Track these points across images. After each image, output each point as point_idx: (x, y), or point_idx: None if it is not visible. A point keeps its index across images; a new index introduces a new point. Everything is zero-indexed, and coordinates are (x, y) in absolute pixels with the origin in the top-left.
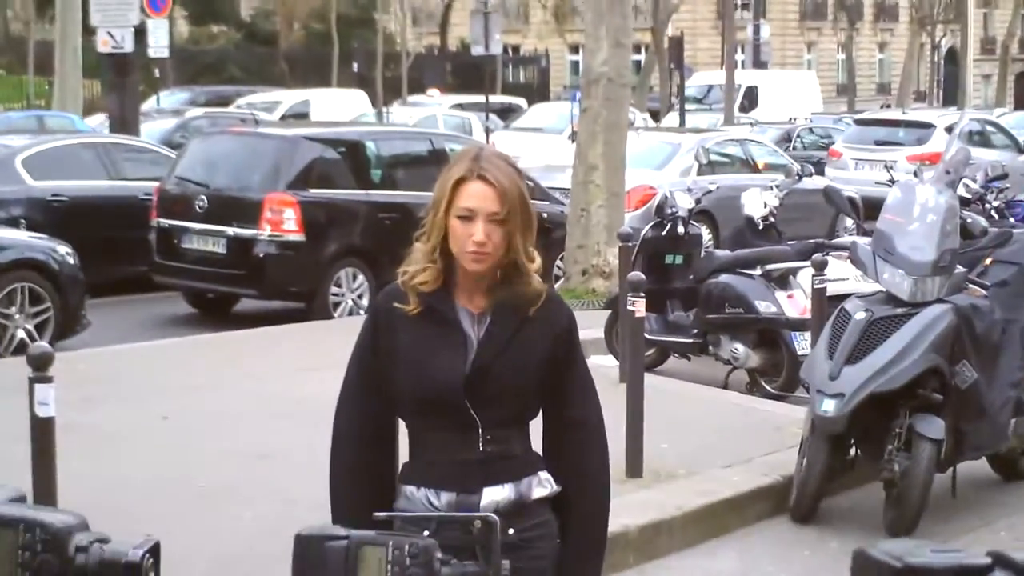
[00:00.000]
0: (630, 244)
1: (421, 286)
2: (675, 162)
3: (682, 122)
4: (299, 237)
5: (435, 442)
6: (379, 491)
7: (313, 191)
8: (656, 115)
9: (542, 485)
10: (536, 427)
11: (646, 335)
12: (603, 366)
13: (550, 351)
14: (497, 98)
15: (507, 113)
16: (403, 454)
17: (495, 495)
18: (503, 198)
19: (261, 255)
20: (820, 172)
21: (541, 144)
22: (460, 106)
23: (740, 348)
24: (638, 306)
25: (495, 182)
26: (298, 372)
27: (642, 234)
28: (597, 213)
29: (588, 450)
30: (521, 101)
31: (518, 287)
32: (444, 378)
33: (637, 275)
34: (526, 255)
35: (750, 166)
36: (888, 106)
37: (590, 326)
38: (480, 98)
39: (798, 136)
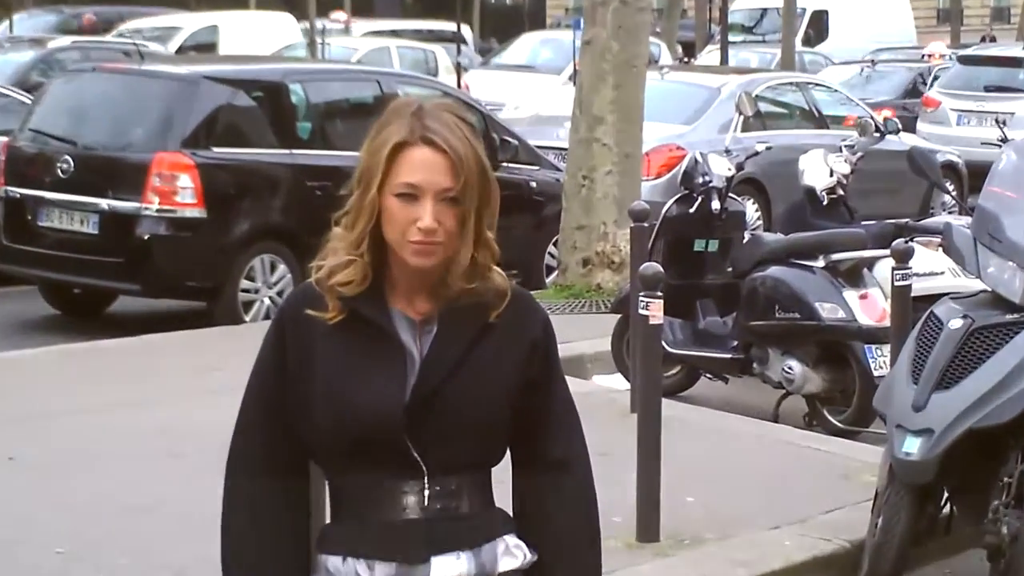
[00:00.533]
0: (647, 224)
1: (343, 287)
2: (711, 113)
3: (724, 59)
4: (198, 212)
5: (365, 496)
6: (289, 562)
7: (218, 150)
8: (690, 49)
9: (510, 554)
10: (501, 474)
11: (667, 348)
12: (610, 390)
13: (520, 370)
14: (426, 24)
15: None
16: (322, 513)
17: (447, 568)
18: (457, 168)
19: (146, 237)
20: (910, 128)
21: (531, 88)
22: (422, 34)
23: (795, 366)
24: (654, 309)
25: (447, 147)
26: (192, 396)
27: (664, 211)
28: (604, 182)
29: (572, 505)
30: (465, 30)
31: (474, 285)
32: (376, 409)
33: (654, 267)
34: (485, 243)
35: (814, 119)
36: (992, 39)
37: (592, 334)
38: (401, 25)
39: (934, 76)
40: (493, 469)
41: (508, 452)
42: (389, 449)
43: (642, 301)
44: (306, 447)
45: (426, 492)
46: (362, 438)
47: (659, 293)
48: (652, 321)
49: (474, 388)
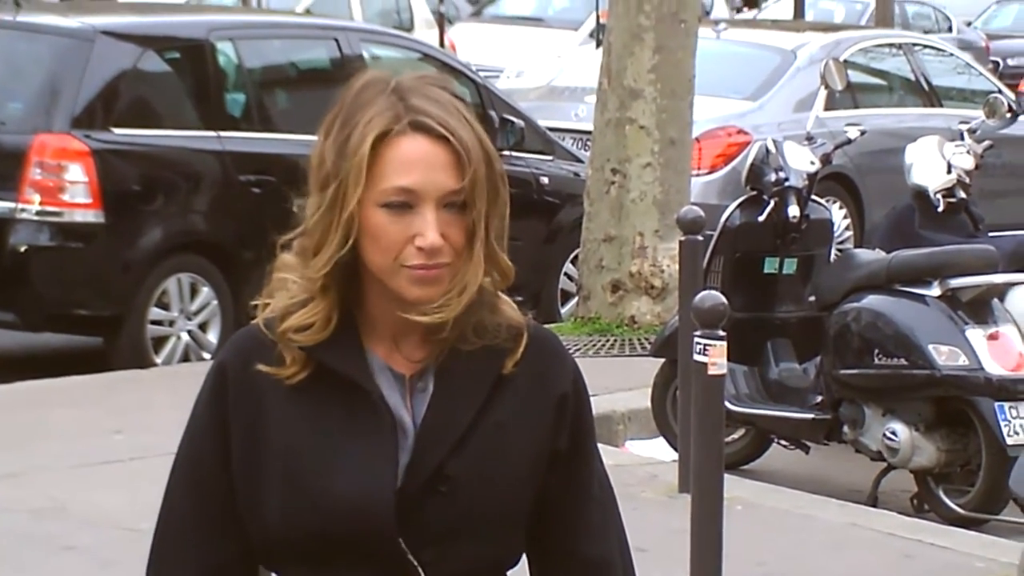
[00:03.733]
0: (700, 237)
1: (299, 333)
2: (784, 86)
3: (799, 10)
4: (94, 216)
5: None
6: None
7: (121, 132)
8: None
9: None
10: None
11: (727, 405)
12: (649, 461)
13: (545, 439)
14: None
15: None
16: None
17: None
18: (465, 162)
19: (22, 249)
20: None
21: (539, 48)
22: None
23: (900, 431)
24: (715, 354)
25: (448, 133)
26: (86, 467)
27: (724, 219)
28: (641, 178)
29: None
30: None
31: (480, 323)
32: (358, 499)
33: (714, 296)
34: (496, 262)
35: (922, 93)
36: None
37: (625, 385)
38: None
39: None
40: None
41: (526, 551)
42: (375, 553)
43: (698, 343)
44: (254, 550)
45: None
46: (338, 539)
47: (721, 332)
48: (712, 371)
49: (491, 464)
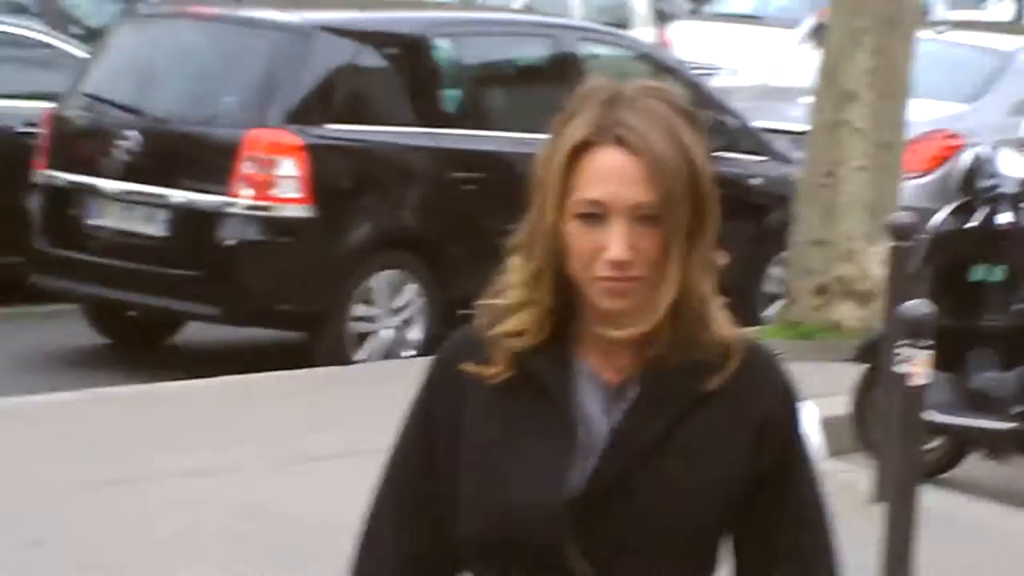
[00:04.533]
0: (911, 243)
1: (512, 337)
2: (1001, 88)
3: (1021, 15)
4: (304, 211)
5: None
6: None
7: (334, 128)
8: None
9: None
10: None
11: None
12: (844, 470)
13: (744, 459)
14: None
15: None
16: None
17: None
18: (657, 176)
19: (231, 243)
20: None
21: (757, 47)
22: None
23: None
24: (919, 364)
25: (642, 146)
26: (286, 464)
27: (933, 224)
28: (853, 181)
29: None
30: None
31: (689, 337)
32: (533, 502)
33: (923, 305)
34: (703, 279)
35: None
36: None
37: (825, 390)
38: None
39: None
40: None
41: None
42: (548, 557)
43: (902, 353)
44: (455, 544)
45: None
46: (513, 539)
47: (926, 343)
48: (914, 381)
49: (677, 481)
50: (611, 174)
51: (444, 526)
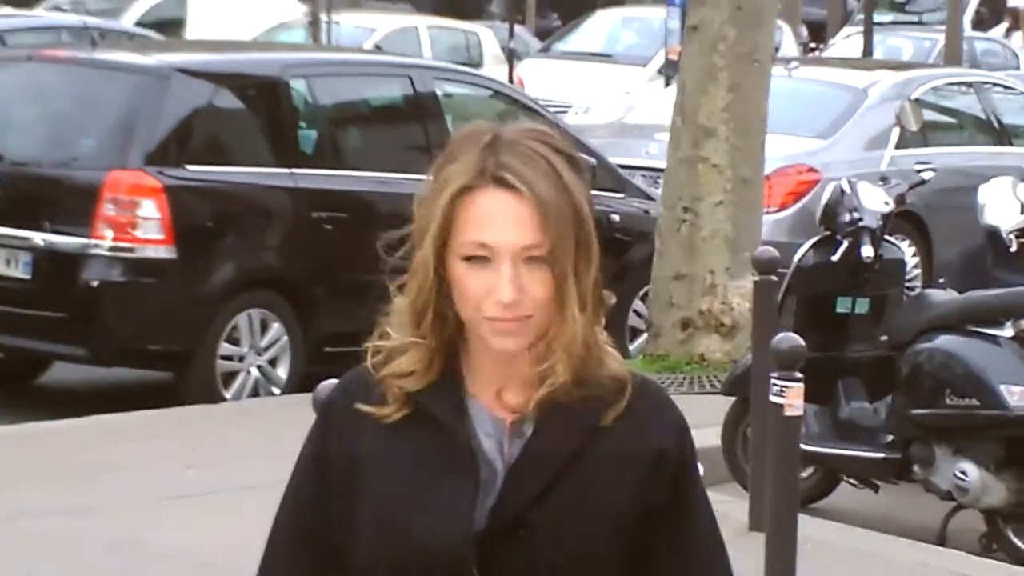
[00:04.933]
0: (773, 277)
1: (402, 379)
2: (855, 124)
3: (868, 47)
4: (166, 252)
5: None
6: None
7: (194, 169)
8: (819, 31)
9: None
10: None
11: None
12: (719, 500)
13: (638, 493)
14: None
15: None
16: None
17: None
18: (544, 217)
19: (95, 284)
20: None
21: (608, 84)
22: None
23: (971, 471)
24: (792, 396)
25: (526, 189)
26: (158, 503)
27: (797, 258)
28: (713, 217)
29: None
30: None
31: (581, 374)
32: (436, 537)
33: (792, 339)
34: (592, 313)
35: (992, 132)
36: None
37: (696, 422)
38: None
39: None
40: None
41: None
42: None
43: (775, 385)
44: None
45: None
46: (416, 575)
47: (799, 374)
48: (789, 412)
49: (574, 515)
50: (496, 217)
51: (338, 565)
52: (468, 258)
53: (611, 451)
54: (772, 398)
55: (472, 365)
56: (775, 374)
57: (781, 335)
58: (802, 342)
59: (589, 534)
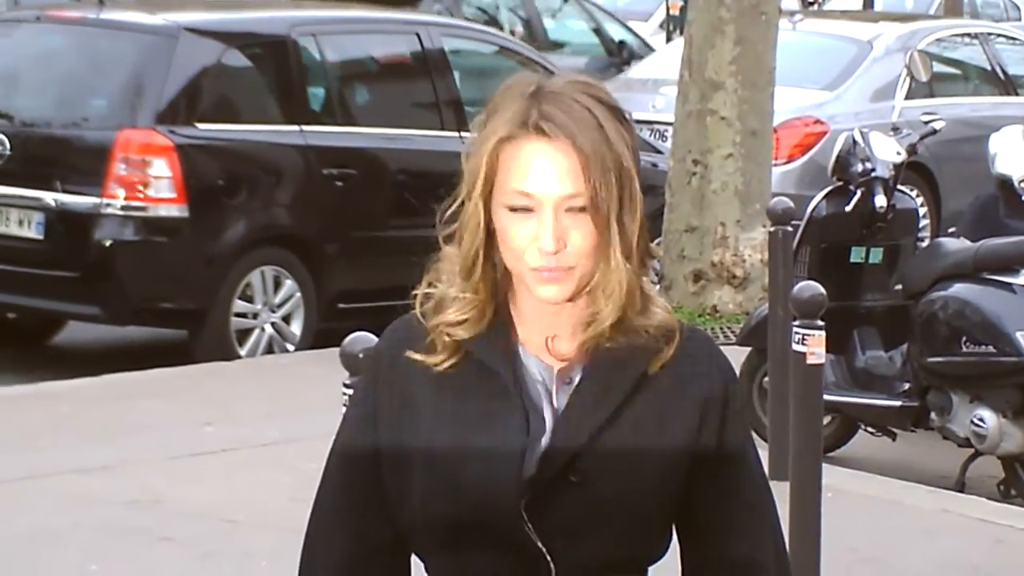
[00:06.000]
0: (788, 227)
1: (453, 327)
2: (861, 76)
3: (869, 2)
4: (178, 210)
5: None
6: None
7: (204, 127)
8: None
9: None
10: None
11: None
12: None
13: (688, 440)
14: None
15: None
16: None
17: None
18: (587, 166)
19: (107, 243)
20: None
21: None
22: None
23: (988, 418)
24: (814, 344)
25: (569, 139)
26: (177, 460)
27: (810, 208)
28: (723, 169)
29: None
30: None
31: (628, 322)
32: (488, 482)
33: (813, 287)
34: (638, 262)
35: (997, 82)
36: None
37: None
38: None
39: None
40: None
41: (672, 547)
42: (505, 538)
43: (797, 333)
44: (404, 532)
45: None
46: (469, 525)
47: (820, 323)
48: (811, 360)
49: (623, 461)
50: (538, 167)
51: (394, 515)
52: (512, 208)
53: (659, 398)
54: (794, 347)
55: (521, 314)
56: (796, 323)
57: (802, 283)
58: (823, 290)
59: (638, 480)
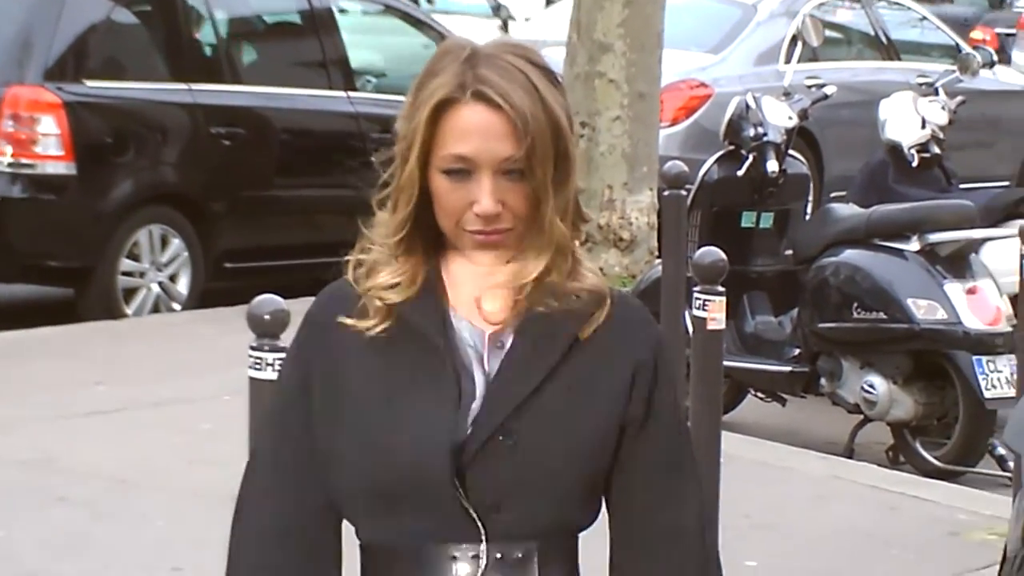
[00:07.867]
0: (682, 191)
1: (386, 291)
2: (745, 39)
3: None
4: (65, 168)
5: (403, 565)
6: None
7: (93, 84)
8: None
9: None
10: (593, 541)
11: None
12: None
13: (616, 405)
14: None
15: None
16: None
17: None
18: (522, 129)
19: None
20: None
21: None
22: None
23: (878, 384)
24: (715, 309)
25: (504, 102)
26: (68, 419)
27: (701, 172)
28: (610, 132)
29: None
30: None
31: (559, 286)
32: (418, 447)
33: (714, 252)
34: (571, 225)
35: (880, 47)
36: None
37: None
38: None
39: None
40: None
41: (598, 514)
42: (436, 503)
43: (698, 299)
44: (336, 497)
45: (483, 561)
46: (400, 490)
47: (721, 288)
48: (712, 325)
49: (554, 427)
50: (476, 129)
51: (326, 480)
52: (448, 171)
53: (591, 363)
54: (695, 312)
55: (453, 278)
56: (697, 288)
57: (703, 249)
58: (723, 256)
59: (569, 445)
